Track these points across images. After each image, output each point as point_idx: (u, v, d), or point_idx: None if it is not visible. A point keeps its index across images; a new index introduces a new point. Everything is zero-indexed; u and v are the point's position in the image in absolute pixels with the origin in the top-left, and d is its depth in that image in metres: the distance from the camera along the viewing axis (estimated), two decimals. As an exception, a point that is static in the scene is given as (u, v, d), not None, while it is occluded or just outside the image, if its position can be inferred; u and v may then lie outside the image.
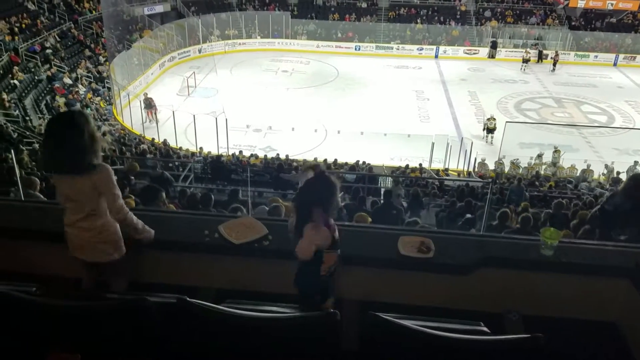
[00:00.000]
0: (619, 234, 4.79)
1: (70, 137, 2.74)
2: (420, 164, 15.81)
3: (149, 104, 20.37)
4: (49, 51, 22.26)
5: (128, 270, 3.14)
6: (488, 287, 3.10)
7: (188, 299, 1.94)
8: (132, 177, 8.35)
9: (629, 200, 4.86)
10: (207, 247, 3.13)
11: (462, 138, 18.76)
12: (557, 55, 28.98)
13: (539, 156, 17.62)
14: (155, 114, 20.31)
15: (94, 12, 27.55)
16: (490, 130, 19.19)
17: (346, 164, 14.88)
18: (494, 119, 19.18)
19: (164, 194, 5.38)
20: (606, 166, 16.65)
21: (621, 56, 30.17)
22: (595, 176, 16.35)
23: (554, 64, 28.75)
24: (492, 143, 18.86)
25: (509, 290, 3.11)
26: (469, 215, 8.32)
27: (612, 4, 29.69)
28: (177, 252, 3.21)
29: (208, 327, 1.97)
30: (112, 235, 2.98)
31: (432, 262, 3.02)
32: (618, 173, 15.51)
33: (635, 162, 16.57)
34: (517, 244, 3.31)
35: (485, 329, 2.13)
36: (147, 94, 21.22)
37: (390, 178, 13.88)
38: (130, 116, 20.49)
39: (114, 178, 2.88)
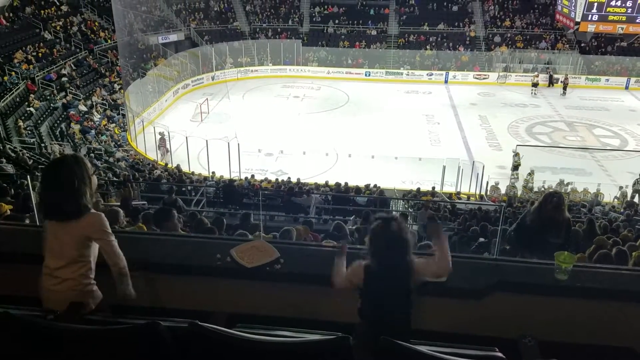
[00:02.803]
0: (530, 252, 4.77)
1: (60, 183, 2.67)
2: (433, 187, 15.77)
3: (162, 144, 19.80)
4: (64, 79, 22.76)
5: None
6: (502, 312, 3.05)
7: (200, 323, 1.94)
8: (132, 203, 8.31)
9: (539, 219, 4.86)
10: (219, 271, 3.13)
11: (474, 162, 18.72)
12: (566, 78, 29.00)
13: (561, 183, 17.37)
14: (164, 154, 19.78)
15: (109, 41, 28.17)
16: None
17: (357, 187, 14.87)
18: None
19: (176, 213, 5.40)
20: (620, 188, 16.46)
21: (633, 79, 30.12)
22: (609, 199, 16.16)
23: (564, 88, 28.74)
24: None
25: (524, 315, 3.06)
26: (482, 239, 8.25)
27: (622, 28, 29.72)
28: (189, 276, 3.21)
29: (220, 352, 1.97)
30: (90, 286, 2.80)
31: (446, 286, 2.98)
32: (633, 196, 15.31)
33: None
34: (532, 268, 3.27)
35: (500, 354, 2.10)
36: (163, 133, 20.03)
37: (401, 201, 13.84)
38: (144, 142, 20.74)
39: (107, 224, 2.74)
